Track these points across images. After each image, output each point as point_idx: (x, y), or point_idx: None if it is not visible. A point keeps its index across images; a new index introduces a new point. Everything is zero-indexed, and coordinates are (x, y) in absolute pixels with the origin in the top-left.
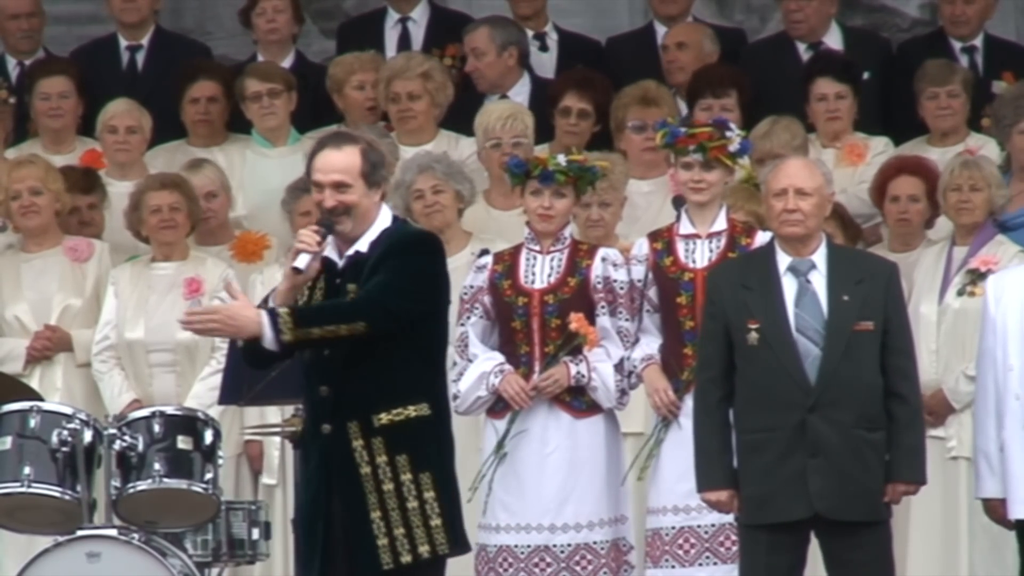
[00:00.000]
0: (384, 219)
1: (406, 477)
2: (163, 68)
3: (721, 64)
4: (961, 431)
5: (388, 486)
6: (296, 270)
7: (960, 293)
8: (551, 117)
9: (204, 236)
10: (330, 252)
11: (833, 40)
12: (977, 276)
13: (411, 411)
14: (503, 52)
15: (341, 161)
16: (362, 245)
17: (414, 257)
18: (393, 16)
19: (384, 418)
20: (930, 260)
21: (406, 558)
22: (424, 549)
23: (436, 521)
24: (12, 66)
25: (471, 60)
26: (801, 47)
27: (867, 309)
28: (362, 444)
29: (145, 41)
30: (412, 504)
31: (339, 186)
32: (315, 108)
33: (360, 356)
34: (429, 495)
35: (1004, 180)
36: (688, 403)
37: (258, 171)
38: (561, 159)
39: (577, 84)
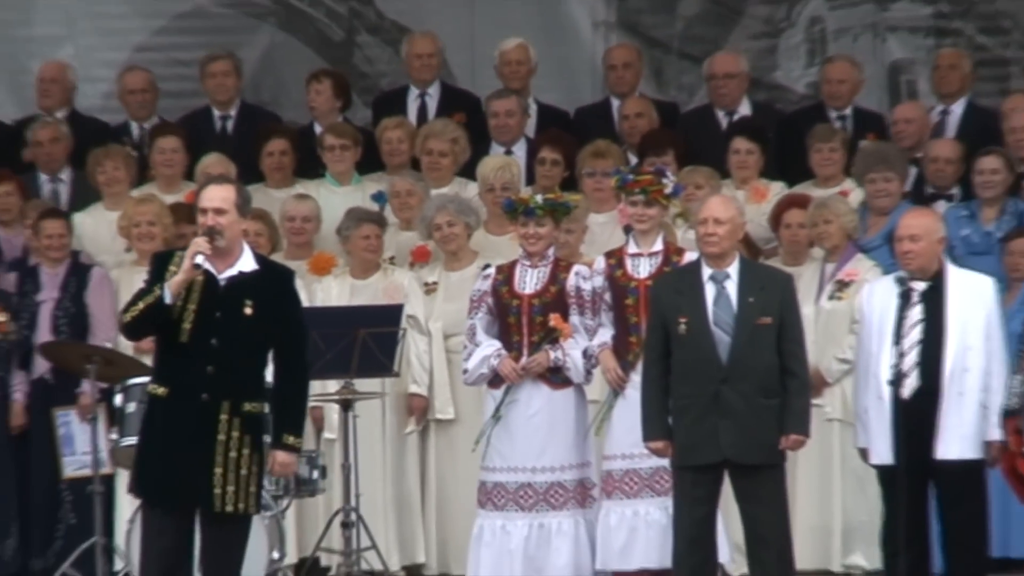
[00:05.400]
0: (244, 244)
1: (245, 452)
2: (247, 131)
3: (661, 130)
4: (834, 400)
5: (232, 454)
6: (196, 267)
7: (831, 298)
8: (533, 166)
9: (294, 250)
10: (211, 266)
11: (744, 110)
12: (843, 285)
13: (264, 407)
14: (524, 115)
15: (221, 193)
16: (244, 266)
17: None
18: (414, 91)
19: (247, 406)
20: (809, 274)
21: (229, 508)
22: (241, 507)
23: (252, 489)
24: (135, 129)
25: (500, 119)
26: (720, 114)
27: (767, 308)
28: (227, 418)
29: (233, 112)
30: (243, 472)
31: (219, 211)
32: (360, 159)
33: (244, 355)
34: (255, 469)
35: (856, 210)
36: (634, 378)
37: (330, 204)
38: (539, 198)
39: (550, 141)
